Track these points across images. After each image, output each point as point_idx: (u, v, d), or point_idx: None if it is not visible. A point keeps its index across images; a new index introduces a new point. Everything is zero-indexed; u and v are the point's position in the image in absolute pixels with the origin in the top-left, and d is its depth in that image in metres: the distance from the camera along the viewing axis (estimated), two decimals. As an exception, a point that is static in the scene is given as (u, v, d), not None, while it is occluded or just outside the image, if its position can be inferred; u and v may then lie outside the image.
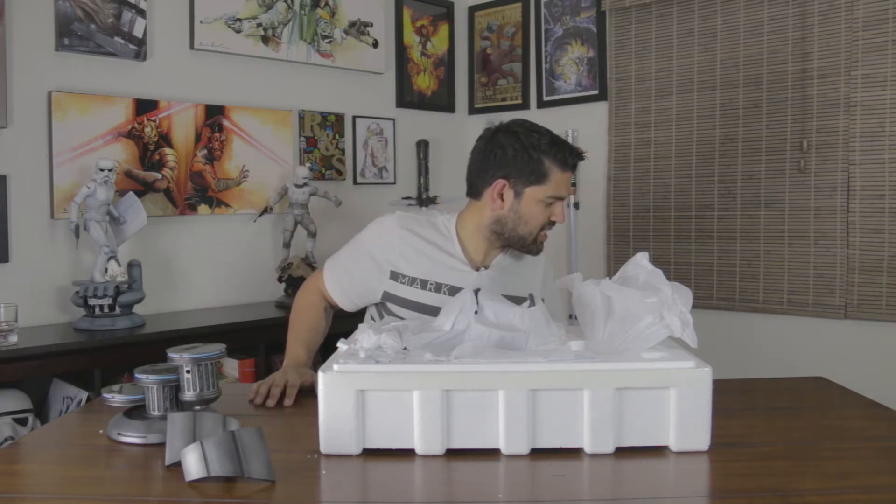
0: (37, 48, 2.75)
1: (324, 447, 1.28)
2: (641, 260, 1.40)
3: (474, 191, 1.99)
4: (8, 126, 2.68)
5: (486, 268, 1.99)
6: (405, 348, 1.36)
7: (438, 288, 1.93)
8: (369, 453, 1.28)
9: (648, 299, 1.32)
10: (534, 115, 4.00)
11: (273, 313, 3.11)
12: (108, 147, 2.90)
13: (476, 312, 1.42)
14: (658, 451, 1.28)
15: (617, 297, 1.34)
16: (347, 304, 2.03)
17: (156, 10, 3.04)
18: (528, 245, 1.96)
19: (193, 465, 1.15)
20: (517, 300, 1.89)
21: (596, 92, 3.77)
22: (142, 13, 2.97)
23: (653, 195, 3.59)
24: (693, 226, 3.47)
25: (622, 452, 1.27)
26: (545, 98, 3.96)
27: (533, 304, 1.45)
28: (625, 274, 1.42)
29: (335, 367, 1.28)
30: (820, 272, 3.15)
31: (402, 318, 1.88)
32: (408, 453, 1.28)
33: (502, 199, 1.92)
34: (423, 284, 1.93)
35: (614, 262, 3.71)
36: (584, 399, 1.26)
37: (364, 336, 1.36)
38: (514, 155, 1.90)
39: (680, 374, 1.26)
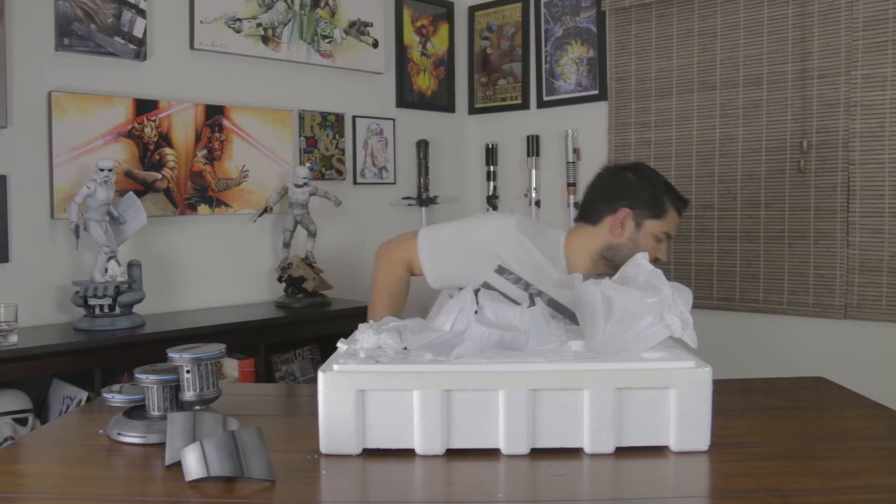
0: (37, 48, 2.76)
1: (324, 447, 1.28)
2: (641, 260, 1.40)
3: (594, 216, 2.09)
4: (8, 126, 2.68)
5: None
6: (405, 348, 1.36)
7: (540, 294, 2.00)
8: (369, 453, 1.28)
9: (648, 299, 1.32)
10: (534, 115, 4.01)
11: (273, 313, 3.11)
12: (108, 147, 2.90)
13: (476, 312, 1.42)
14: (658, 451, 1.28)
15: (617, 297, 1.34)
16: (437, 283, 2.09)
17: (156, 10, 3.04)
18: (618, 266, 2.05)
19: (193, 465, 1.15)
20: None
21: (596, 92, 3.77)
22: (142, 13, 2.97)
23: (653, 195, 3.58)
24: (693, 226, 3.47)
25: (622, 452, 1.27)
26: (545, 98, 3.97)
27: (533, 303, 1.45)
28: (624, 274, 1.42)
29: (335, 366, 1.27)
30: (820, 272, 3.15)
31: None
32: (408, 453, 1.28)
33: (622, 228, 2.04)
34: (527, 286, 2.00)
35: (614, 262, 3.70)
36: (584, 399, 1.26)
37: (364, 336, 1.36)
38: (641, 188, 2.05)
39: (680, 374, 1.26)
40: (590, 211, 2.11)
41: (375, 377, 1.27)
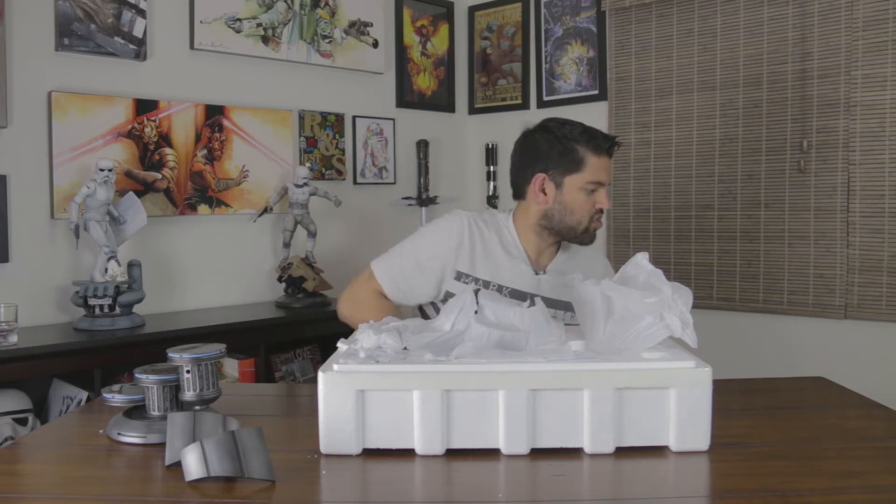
0: (37, 48, 2.75)
1: (324, 447, 1.28)
2: (641, 260, 1.40)
3: (518, 191, 2.07)
4: (8, 126, 2.68)
5: (544, 272, 2.05)
6: (405, 348, 1.36)
7: (500, 290, 1.97)
8: (369, 453, 1.28)
9: (649, 299, 1.31)
10: (534, 114, 4.00)
11: (273, 313, 3.11)
12: (108, 147, 2.90)
13: (476, 312, 1.42)
14: (658, 451, 1.27)
15: (617, 297, 1.34)
16: (401, 300, 2.06)
17: (156, 10, 3.04)
18: (579, 235, 2.01)
19: (193, 465, 1.15)
20: (567, 305, 1.98)
21: (596, 92, 3.77)
22: (142, 13, 2.97)
23: (653, 195, 3.59)
24: (693, 226, 3.47)
25: (622, 452, 1.27)
26: (545, 98, 3.97)
27: (533, 303, 1.45)
28: (625, 274, 1.42)
29: (335, 366, 1.27)
30: (820, 272, 3.15)
31: None
32: (408, 453, 1.28)
33: (545, 193, 1.99)
34: (486, 285, 1.97)
35: (614, 262, 3.68)
36: (584, 399, 1.26)
37: (364, 336, 1.36)
38: (549, 147, 1.98)
39: (680, 374, 1.26)
40: (514, 185, 2.08)
41: (375, 377, 1.27)
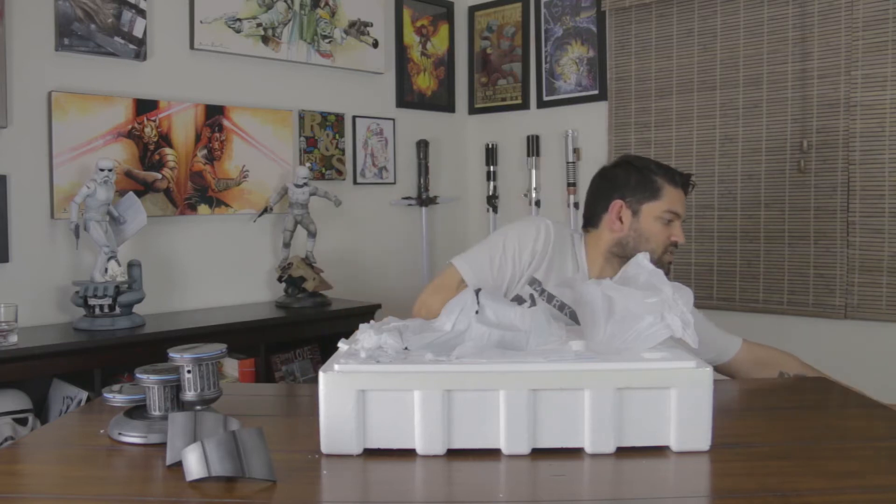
0: (37, 48, 2.76)
1: (324, 447, 1.28)
2: (642, 260, 1.40)
3: (593, 220, 2.08)
4: (8, 126, 2.68)
5: None
6: (406, 348, 1.36)
7: (563, 308, 1.97)
8: (370, 453, 1.28)
9: (649, 299, 1.31)
10: (534, 114, 4.01)
11: (273, 313, 3.11)
12: (108, 147, 2.90)
13: (477, 312, 1.42)
14: (659, 451, 1.27)
15: (618, 297, 1.34)
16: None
17: (156, 10, 3.04)
18: (651, 261, 2.00)
19: (194, 465, 1.15)
20: None
21: (596, 92, 3.77)
22: (142, 13, 2.97)
23: (653, 195, 3.58)
24: (693, 226, 3.47)
25: (623, 452, 1.27)
26: (545, 98, 3.97)
27: (534, 303, 1.45)
28: (625, 274, 1.42)
29: (336, 366, 1.27)
30: (820, 272, 3.15)
31: None
32: (408, 453, 1.28)
33: (621, 221, 2.02)
34: (550, 300, 1.98)
35: (614, 262, 3.70)
36: (585, 399, 1.26)
37: (365, 336, 1.36)
38: (627, 176, 2.04)
39: (681, 374, 1.26)
40: (590, 216, 2.10)
41: (376, 377, 1.26)
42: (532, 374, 1.26)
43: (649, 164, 2.05)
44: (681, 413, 1.26)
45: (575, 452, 1.27)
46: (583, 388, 1.26)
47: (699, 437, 1.27)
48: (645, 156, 2.09)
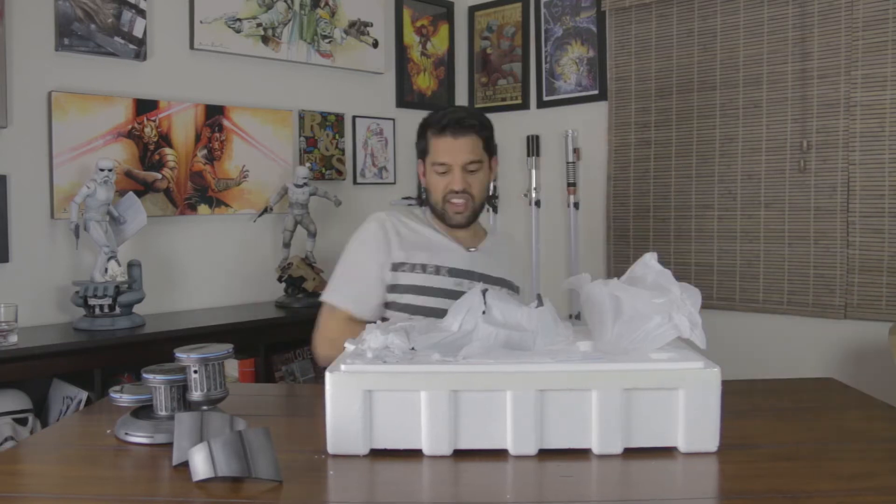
0: (37, 48, 2.75)
1: (331, 447, 1.28)
2: (650, 260, 1.40)
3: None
4: (8, 126, 2.67)
5: (475, 249, 2.13)
6: (413, 348, 1.35)
7: (438, 270, 2.03)
8: (376, 453, 1.28)
9: (657, 300, 1.31)
10: (534, 114, 4.01)
11: (273, 313, 3.10)
12: (108, 147, 2.89)
13: (483, 312, 1.42)
14: (666, 452, 1.27)
15: (625, 298, 1.34)
16: (369, 312, 2.05)
17: (156, 10, 3.03)
18: (441, 214, 2.11)
19: (201, 466, 1.15)
20: (501, 282, 2.08)
21: (596, 92, 3.77)
22: (142, 13, 2.96)
23: (653, 195, 3.59)
24: (693, 226, 3.47)
25: (630, 453, 1.27)
26: (545, 98, 3.96)
27: (541, 303, 1.45)
28: (633, 274, 1.42)
29: (342, 367, 1.27)
30: (820, 272, 3.15)
31: (409, 307, 1.98)
32: (415, 454, 1.27)
33: (424, 176, 2.15)
34: (424, 268, 2.03)
35: (614, 262, 3.71)
36: (592, 400, 1.26)
37: (371, 336, 1.36)
38: (417, 136, 2.15)
39: (688, 375, 1.26)
40: None
41: (383, 377, 1.26)
42: (539, 374, 1.26)
43: (430, 117, 2.12)
44: (689, 414, 1.26)
45: (582, 453, 1.27)
46: (590, 388, 1.26)
47: (707, 437, 1.26)
48: (445, 106, 2.14)
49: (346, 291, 2.05)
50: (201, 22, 3.13)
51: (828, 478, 1.19)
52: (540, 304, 1.44)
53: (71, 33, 2.79)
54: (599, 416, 1.26)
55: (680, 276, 1.37)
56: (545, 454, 1.27)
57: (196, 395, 1.36)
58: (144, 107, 2.99)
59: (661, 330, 1.30)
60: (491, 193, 4.12)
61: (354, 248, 2.10)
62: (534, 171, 3.96)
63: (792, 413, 1.57)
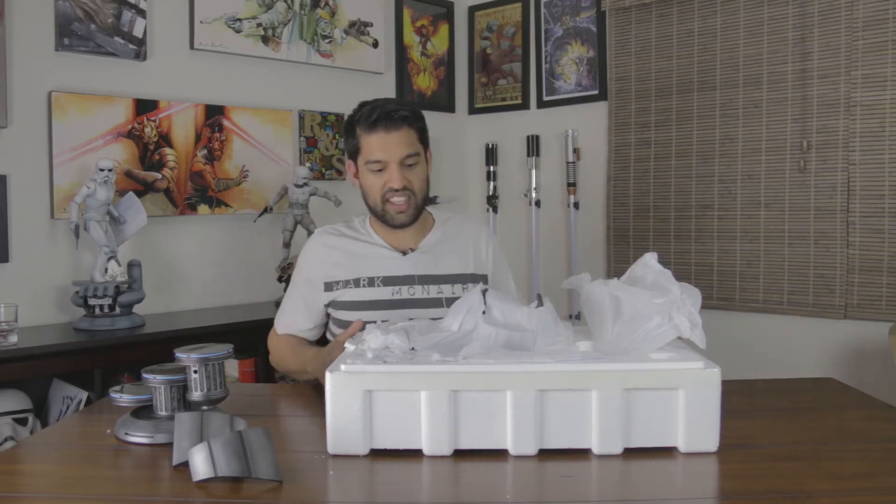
0: (37, 48, 2.75)
1: (331, 447, 1.28)
2: (650, 260, 1.40)
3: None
4: (8, 126, 2.67)
5: (412, 250, 2.00)
6: (413, 348, 1.35)
7: (372, 281, 1.94)
8: (376, 454, 1.28)
9: (657, 300, 1.31)
10: (534, 114, 4.01)
11: (273, 313, 3.07)
12: (108, 147, 2.89)
13: (483, 313, 1.42)
14: (666, 452, 1.27)
15: (625, 298, 1.34)
16: (308, 335, 2.05)
17: (156, 10, 3.03)
18: (381, 215, 1.96)
19: (201, 466, 1.15)
20: (451, 278, 1.97)
21: (596, 92, 3.77)
22: (142, 13, 2.96)
23: (653, 195, 3.59)
24: (693, 226, 3.47)
25: (630, 453, 1.27)
26: (545, 98, 3.97)
27: (541, 303, 1.44)
28: (633, 274, 1.42)
29: (342, 367, 1.27)
30: (820, 272, 3.15)
31: (349, 323, 1.88)
32: (415, 454, 1.27)
33: (355, 178, 2.00)
34: (357, 282, 1.95)
35: (614, 262, 3.71)
36: (592, 400, 1.26)
37: (371, 336, 1.36)
38: (345, 135, 2.00)
39: (688, 375, 1.26)
40: None
41: (383, 377, 1.26)
42: (539, 374, 1.26)
43: (357, 114, 1.94)
44: (689, 414, 1.26)
45: (582, 453, 1.27)
46: (590, 388, 1.26)
47: (707, 437, 1.26)
48: (372, 100, 1.97)
49: (287, 321, 2.05)
50: (201, 22, 3.13)
51: (828, 478, 1.19)
52: (540, 304, 1.43)
53: (71, 33, 2.79)
54: (599, 416, 1.26)
55: (680, 276, 1.37)
56: (545, 454, 1.27)
57: (196, 395, 1.36)
58: (144, 107, 2.99)
59: (661, 330, 1.30)
60: (491, 193, 4.11)
61: (297, 273, 2.07)
62: (534, 172, 3.96)
63: (792, 413, 1.57)
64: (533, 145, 3.95)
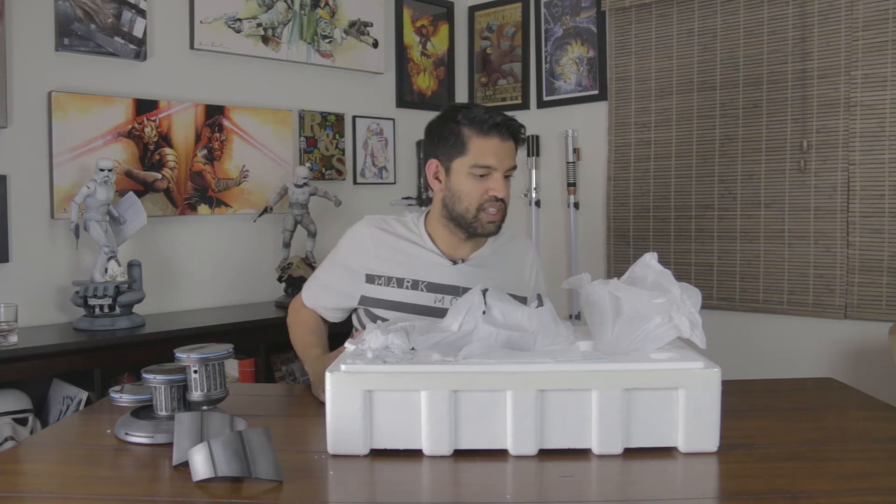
0: (37, 48, 2.75)
1: (331, 447, 1.28)
2: (650, 260, 1.40)
3: (426, 184, 2.03)
4: (8, 126, 2.67)
5: (463, 261, 1.95)
6: (413, 348, 1.35)
7: (416, 285, 1.89)
8: (377, 454, 1.28)
9: (657, 300, 1.31)
10: (534, 114, 4.01)
11: (273, 313, 3.10)
12: (108, 147, 2.89)
13: (484, 313, 1.42)
14: (666, 452, 1.27)
15: (626, 298, 1.34)
16: (329, 315, 2.02)
17: (156, 10, 3.03)
18: (470, 223, 1.88)
19: (201, 466, 1.15)
20: None
21: (596, 92, 3.77)
22: (142, 13, 2.96)
23: (653, 195, 3.59)
24: (693, 226, 3.47)
25: (630, 453, 1.27)
26: (545, 98, 3.97)
27: (541, 303, 1.44)
28: (633, 274, 1.42)
29: (343, 367, 1.27)
30: (820, 272, 3.15)
31: (385, 321, 1.84)
32: (415, 454, 1.28)
33: (438, 180, 1.91)
34: (400, 283, 1.90)
35: (614, 262, 3.71)
36: (593, 400, 1.26)
37: (372, 336, 1.36)
38: (438, 132, 1.90)
39: (688, 375, 1.26)
40: (425, 181, 2.02)
41: (383, 377, 1.26)
42: (539, 374, 1.26)
43: (460, 113, 1.86)
44: (689, 414, 1.26)
45: (582, 453, 1.27)
46: (590, 388, 1.26)
47: (707, 437, 1.27)
48: (470, 103, 1.90)
49: (312, 292, 2.01)
50: (201, 22, 3.13)
51: (828, 478, 1.19)
52: (540, 304, 1.43)
53: (71, 33, 2.79)
54: (599, 416, 1.26)
55: (680, 276, 1.37)
56: (545, 454, 1.27)
57: (196, 395, 1.36)
58: (144, 107, 2.99)
59: (661, 330, 1.30)
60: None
61: (336, 253, 2.01)
62: (534, 171, 3.96)
63: (792, 413, 1.57)
64: (533, 145, 3.95)
